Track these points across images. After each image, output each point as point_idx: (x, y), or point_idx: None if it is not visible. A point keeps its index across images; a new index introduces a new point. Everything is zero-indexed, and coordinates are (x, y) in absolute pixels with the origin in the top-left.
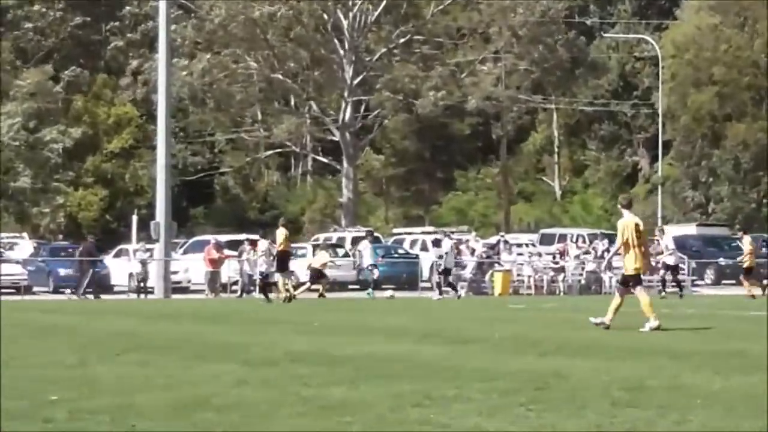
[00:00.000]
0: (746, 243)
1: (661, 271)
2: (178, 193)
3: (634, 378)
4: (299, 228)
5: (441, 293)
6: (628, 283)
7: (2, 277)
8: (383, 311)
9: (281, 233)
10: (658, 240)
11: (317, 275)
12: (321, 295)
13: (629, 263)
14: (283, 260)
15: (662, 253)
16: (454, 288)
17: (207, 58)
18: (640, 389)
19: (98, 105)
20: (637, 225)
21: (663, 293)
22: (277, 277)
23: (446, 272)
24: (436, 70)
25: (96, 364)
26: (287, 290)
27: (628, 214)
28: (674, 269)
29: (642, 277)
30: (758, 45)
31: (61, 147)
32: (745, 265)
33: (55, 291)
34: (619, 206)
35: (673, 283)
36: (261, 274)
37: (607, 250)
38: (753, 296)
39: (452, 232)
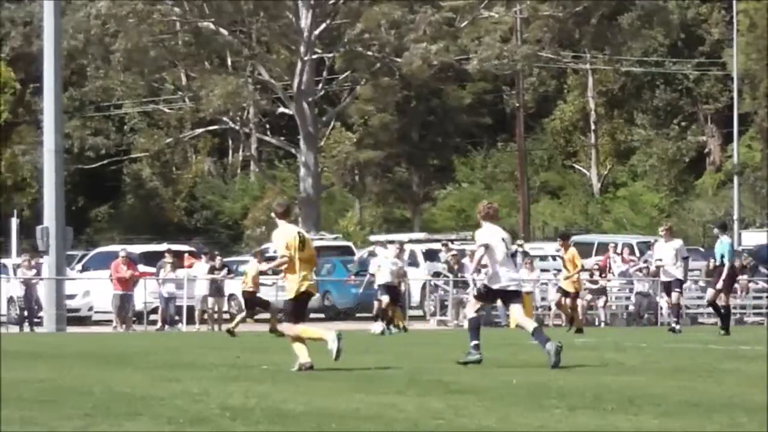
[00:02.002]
0: (576, 259)
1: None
2: (74, 188)
3: None
4: (240, 234)
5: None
6: (297, 312)
7: None
8: (352, 349)
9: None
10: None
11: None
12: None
13: (292, 285)
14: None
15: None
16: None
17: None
18: None
19: None
20: (300, 234)
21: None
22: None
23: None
24: (425, 16)
25: None
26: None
27: (285, 224)
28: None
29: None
30: None
31: None
32: (568, 287)
33: None
34: (273, 215)
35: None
36: None
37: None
38: (581, 330)
39: (452, 241)
